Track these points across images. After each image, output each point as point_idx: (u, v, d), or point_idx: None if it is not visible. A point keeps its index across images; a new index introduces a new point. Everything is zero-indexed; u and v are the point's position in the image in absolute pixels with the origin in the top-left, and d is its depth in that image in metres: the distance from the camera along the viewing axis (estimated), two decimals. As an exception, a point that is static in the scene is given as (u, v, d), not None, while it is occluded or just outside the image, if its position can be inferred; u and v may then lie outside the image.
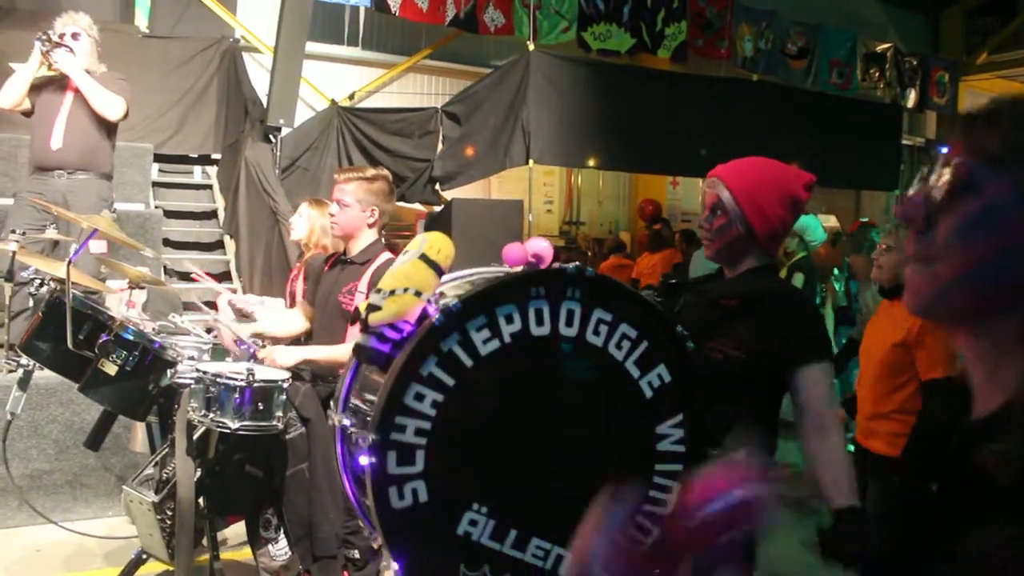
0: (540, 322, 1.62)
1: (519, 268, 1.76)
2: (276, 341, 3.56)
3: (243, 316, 4.47)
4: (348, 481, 1.80)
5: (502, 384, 1.61)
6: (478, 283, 1.76)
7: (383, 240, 3.29)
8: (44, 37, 4.75)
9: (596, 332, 1.66)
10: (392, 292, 1.65)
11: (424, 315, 1.64)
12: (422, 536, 1.56)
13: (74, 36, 4.89)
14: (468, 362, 1.57)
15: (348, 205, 3.17)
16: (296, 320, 3.55)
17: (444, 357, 1.55)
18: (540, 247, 1.70)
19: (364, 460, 1.52)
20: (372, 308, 1.66)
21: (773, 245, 2.13)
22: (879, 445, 3.32)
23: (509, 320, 1.59)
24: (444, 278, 1.74)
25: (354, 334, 3.09)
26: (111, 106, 4.89)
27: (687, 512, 0.86)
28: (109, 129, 5.03)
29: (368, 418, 1.66)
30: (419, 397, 1.53)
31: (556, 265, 1.68)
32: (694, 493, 0.88)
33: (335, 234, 3.23)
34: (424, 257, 1.69)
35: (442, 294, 1.70)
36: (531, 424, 1.64)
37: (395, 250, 3.29)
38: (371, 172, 3.23)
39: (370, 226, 3.22)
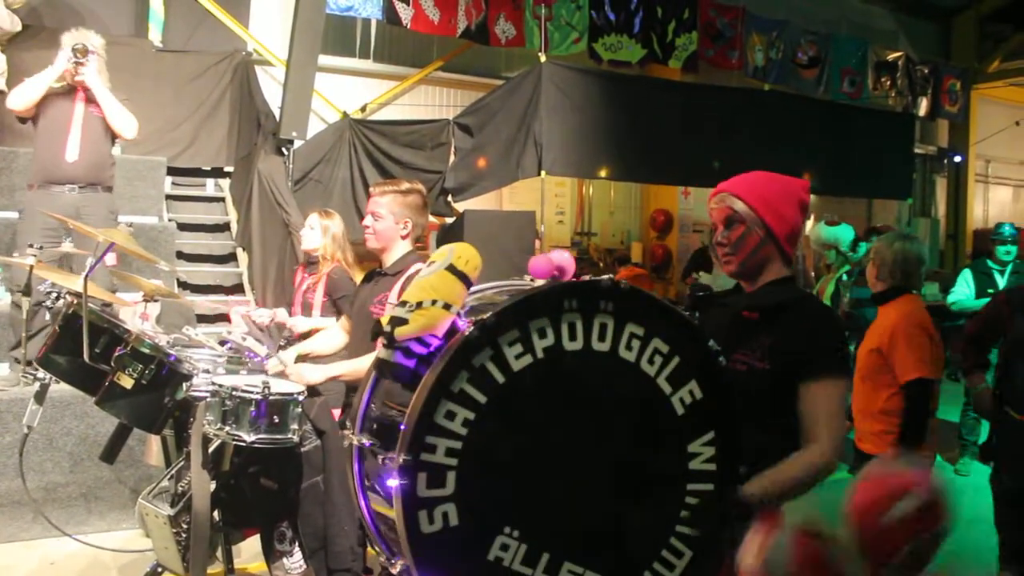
0: (573, 337, 1.56)
1: (544, 281, 1.72)
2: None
3: (258, 329, 4.48)
4: (364, 503, 1.75)
5: (534, 401, 1.54)
6: (505, 296, 1.70)
7: (416, 252, 3.29)
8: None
9: (629, 347, 1.61)
10: (419, 305, 1.59)
11: (453, 329, 1.58)
12: (452, 562, 1.49)
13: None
14: (500, 378, 1.50)
15: (382, 217, 3.18)
16: (339, 336, 3.54)
17: (476, 373, 1.48)
18: (563, 259, 1.68)
19: (392, 482, 1.45)
20: (398, 321, 1.59)
21: (792, 246, 2.11)
22: (867, 445, 3.54)
23: (542, 334, 1.53)
24: (469, 290, 1.70)
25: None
26: (129, 125, 5.06)
27: (868, 516, 0.82)
28: (112, 143, 5.19)
29: (390, 438, 1.59)
30: (450, 415, 1.47)
31: (589, 278, 1.62)
32: (868, 496, 0.83)
33: (370, 246, 3.24)
34: (452, 268, 1.64)
35: (472, 308, 1.65)
36: (564, 444, 1.58)
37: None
38: (406, 185, 3.25)
39: (403, 238, 3.23)
